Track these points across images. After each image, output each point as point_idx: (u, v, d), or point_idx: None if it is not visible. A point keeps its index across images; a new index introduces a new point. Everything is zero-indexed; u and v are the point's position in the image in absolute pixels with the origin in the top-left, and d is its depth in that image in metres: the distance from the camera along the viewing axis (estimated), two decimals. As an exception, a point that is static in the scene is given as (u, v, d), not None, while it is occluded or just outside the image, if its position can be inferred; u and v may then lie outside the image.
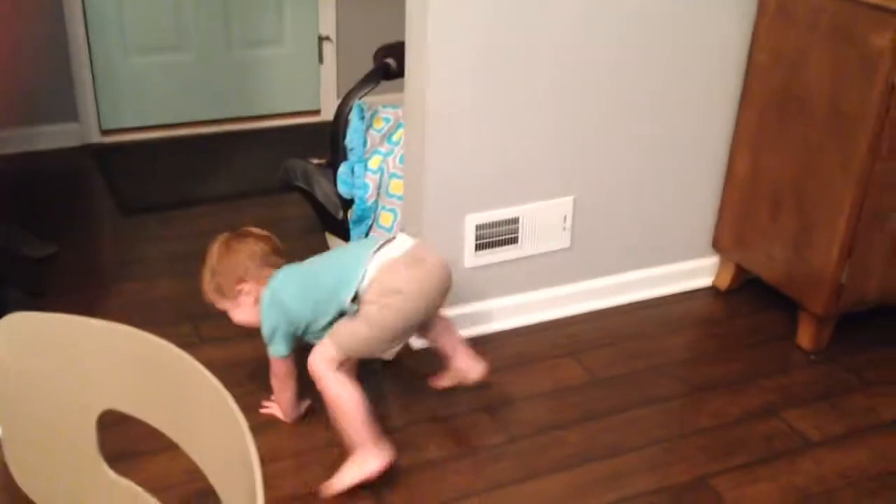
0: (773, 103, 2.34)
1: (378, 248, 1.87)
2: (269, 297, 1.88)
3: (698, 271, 2.64)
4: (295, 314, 1.87)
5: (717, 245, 2.61)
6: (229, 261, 1.94)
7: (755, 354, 2.35)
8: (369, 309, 1.80)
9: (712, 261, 2.64)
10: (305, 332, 1.90)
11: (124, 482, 0.95)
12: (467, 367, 2.03)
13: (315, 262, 1.98)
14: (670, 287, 2.60)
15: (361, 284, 1.82)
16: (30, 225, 2.80)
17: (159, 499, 0.93)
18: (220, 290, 1.96)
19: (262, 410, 2.03)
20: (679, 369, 2.29)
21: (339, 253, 2.09)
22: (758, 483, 1.90)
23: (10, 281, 2.42)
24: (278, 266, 1.95)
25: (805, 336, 2.37)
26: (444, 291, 1.89)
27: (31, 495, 0.99)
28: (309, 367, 1.82)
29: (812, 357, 2.34)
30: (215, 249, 1.96)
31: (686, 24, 2.30)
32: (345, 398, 1.79)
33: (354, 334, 1.82)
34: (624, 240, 2.50)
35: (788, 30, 2.25)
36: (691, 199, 2.54)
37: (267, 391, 2.07)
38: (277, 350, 1.90)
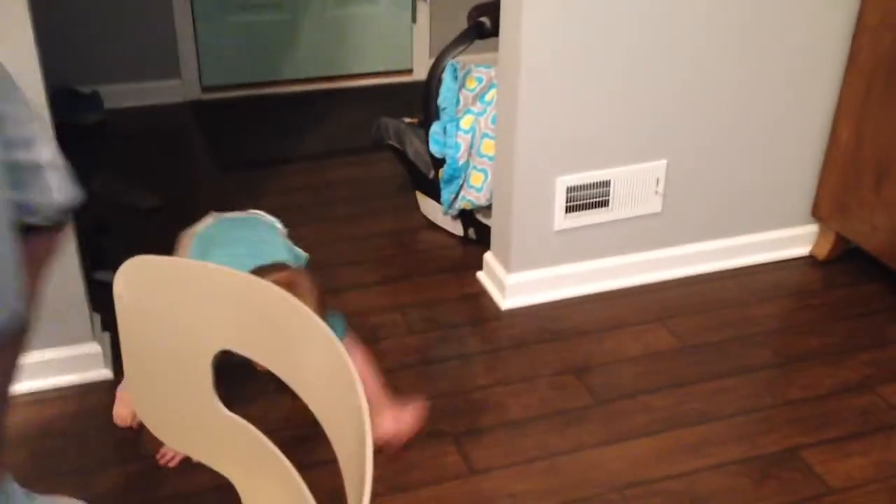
0: (882, 68, 2.24)
1: None
2: None
3: (796, 240, 2.57)
4: None
5: (816, 213, 2.53)
6: None
7: (852, 327, 2.29)
8: None
9: (811, 229, 2.57)
10: None
11: (239, 420, 1.00)
12: None
13: None
14: (766, 255, 2.54)
15: None
16: (135, 178, 2.91)
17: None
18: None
19: None
20: (772, 339, 2.24)
21: None
22: (850, 458, 1.86)
23: (114, 230, 2.53)
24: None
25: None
26: None
27: (151, 428, 1.05)
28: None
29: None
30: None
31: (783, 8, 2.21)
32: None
33: None
34: (718, 205, 2.44)
35: (903, -11, 2.15)
36: (790, 165, 2.46)
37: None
38: None
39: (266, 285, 0.89)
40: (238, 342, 0.94)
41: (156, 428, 1.04)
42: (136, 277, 0.96)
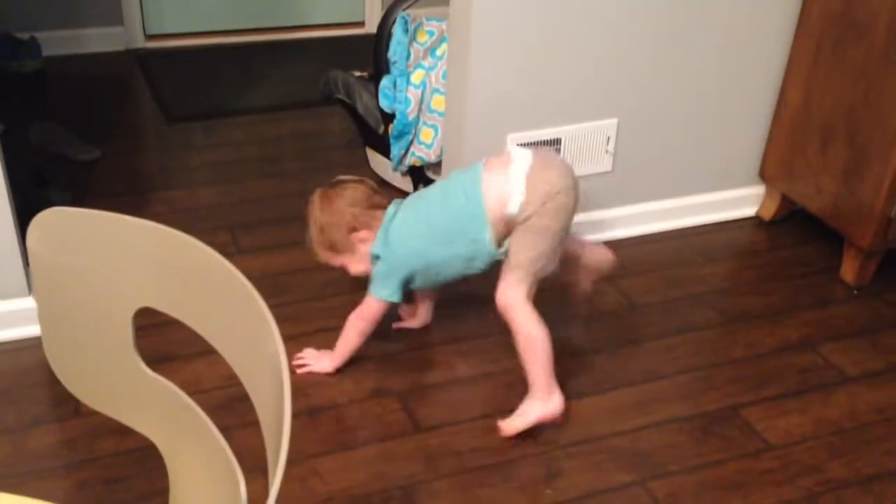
0: (831, 30, 2.25)
1: (488, 173, 1.77)
2: (382, 238, 1.83)
3: (743, 200, 2.59)
4: (409, 259, 1.82)
5: (763, 174, 2.55)
6: (334, 212, 1.85)
7: (796, 286, 2.32)
8: (537, 221, 1.72)
9: (758, 190, 2.59)
10: (413, 280, 1.86)
11: (161, 380, 0.97)
12: (600, 256, 2.01)
13: (424, 205, 1.85)
14: (714, 215, 2.56)
15: (511, 211, 1.73)
16: (75, 128, 2.82)
17: (195, 401, 0.95)
18: (333, 247, 1.87)
19: (296, 363, 1.93)
20: (717, 299, 2.27)
21: (448, 194, 1.83)
22: (789, 415, 1.89)
23: (53, 182, 2.46)
24: (383, 206, 1.87)
25: (849, 270, 2.32)
26: (577, 186, 1.80)
27: (71, 390, 1.02)
28: (501, 305, 1.75)
29: (854, 292, 2.30)
30: (316, 205, 1.87)
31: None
32: (538, 335, 1.73)
33: (535, 250, 1.73)
34: (667, 165, 2.45)
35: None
36: (739, 126, 2.47)
37: (301, 303, 2.10)
38: (383, 293, 1.83)
39: (186, 240, 0.86)
40: (160, 300, 0.91)
41: (75, 388, 1.01)
42: (51, 231, 0.92)
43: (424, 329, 2.08)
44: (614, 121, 2.31)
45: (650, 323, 2.15)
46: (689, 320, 2.17)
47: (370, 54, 2.53)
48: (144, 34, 3.51)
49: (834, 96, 2.27)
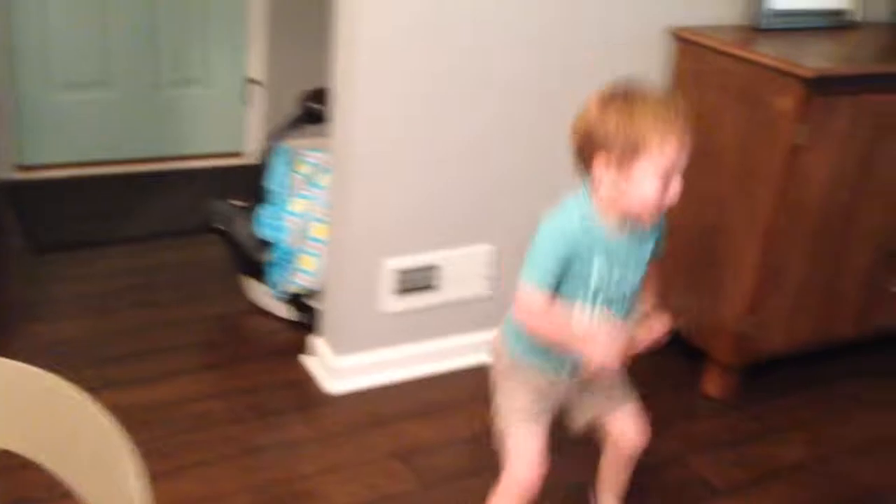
0: (690, 161, 2.42)
1: None
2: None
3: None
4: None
5: (631, 294, 2.67)
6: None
7: (661, 403, 2.38)
8: None
9: (627, 310, 2.70)
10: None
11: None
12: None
13: None
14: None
15: None
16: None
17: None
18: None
19: None
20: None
21: None
22: None
23: None
24: None
25: (711, 384, 2.43)
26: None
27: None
28: None
29: (717, 404, 2.40)
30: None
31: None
32: None
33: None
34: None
35: (702, 90, 2.34)
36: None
37: (173, 437, 2.03)
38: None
39: (46, 378, 0.84)
40: (16, 441, 0.88)
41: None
42: None
43: (310, 458, 2.05)
44: (490, 246, 2.39)
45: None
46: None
47: (250, 184, 2.56)
48: (18, 165, 3.44)
49: (693, 217, 2.42)
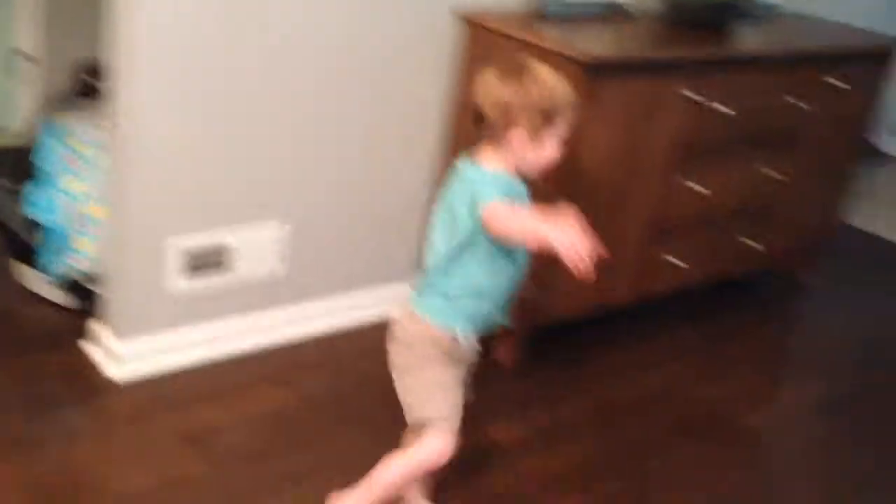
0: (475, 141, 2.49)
1: None
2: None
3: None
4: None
5: (424, 270, 2.72)
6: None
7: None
8: None
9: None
10: None
11: None
12: None
13: None
14: (393, 307, 2.66)
15: None
16: None
17: None
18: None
19: None
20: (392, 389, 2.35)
21: None
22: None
23: None
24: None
25: (501, 351, 2.52)
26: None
27: None
28: None
29: (507, 371, 2.50)
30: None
31: (389, 73, 2.39)
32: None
33: None
34: (340, 261, 2.53)
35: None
36: (407, 218, 2.63)
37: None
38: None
39: None
40: None
41: None
42: None
43: (96, 446, 1.93)
44: (282, 223, 2.35)
45: (325, 419, 2.17)
46: (363, 413, 2.22)
47: (18, 162, 2.38)
48: None
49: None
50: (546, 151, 1.62)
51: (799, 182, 2.96)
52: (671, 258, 2.69)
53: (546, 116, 1.57)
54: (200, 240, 2.22)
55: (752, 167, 2.79)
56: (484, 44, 2.41)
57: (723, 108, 2.51)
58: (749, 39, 2.82)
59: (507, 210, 1.54)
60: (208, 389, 2.20)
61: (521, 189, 1.65)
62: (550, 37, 2.30)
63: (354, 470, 1.79)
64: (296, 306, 2.48)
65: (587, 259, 1.50)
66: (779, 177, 2.85)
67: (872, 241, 3.85)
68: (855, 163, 3.25)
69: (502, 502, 2.01)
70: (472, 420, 2.22)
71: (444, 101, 2.54)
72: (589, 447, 2.25)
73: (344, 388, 2.31)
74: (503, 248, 1.62)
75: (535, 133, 1.58)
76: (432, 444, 1.65)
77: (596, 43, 2.45)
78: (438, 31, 2.43)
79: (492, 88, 1.59)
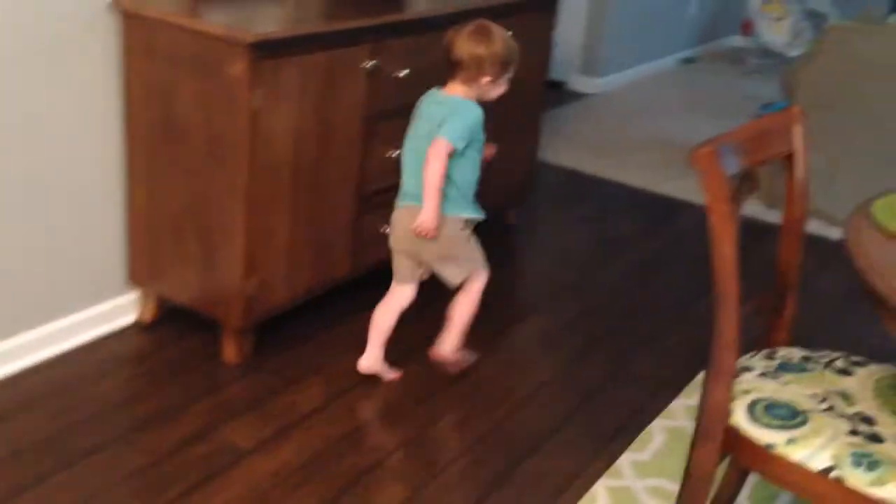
0: (156, 135, 2.38)
1: None
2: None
3: (119, 310, 2.58)
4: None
5: (134, 279, 2.58)
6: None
7: (185, 380, 2.38)
8: None
9: (133, 296, 2.61)
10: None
11: None
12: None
13: None
14: (92, 332, 2.51)
15: None
16: None
17: None
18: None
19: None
20: (111, 416, 2.22)
21: None
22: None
23: None
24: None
25: (229, 351, 2.47)
26: None
27: None
28: None
29: (237, 369, 2.44)
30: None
31: (44, 66, 2.21)
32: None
33: None
34: (23, 295, 2.33)
35: (156, 64, 2.30)
36: (94, 237, 2.47)
37: None
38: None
39: None
40: None
41: None
42: None
43: None
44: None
45: (40, 462, 2.02)
46: (82, 446, 2.08)
47: None
48: None
49: (175, 194, 2.40)
50: (501, 88, 2.29)
51: (493, 132, 3.10)
52: (384, 228, 2.73)
53: (504, 65, 2.23)
54: None
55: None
56: (145, 33, 2.29)
57: (400, 73, 2.57)
58: (421, 1, 2.90)
59: (441, 160, 2.18)
60: None
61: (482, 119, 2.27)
62: (215, 20, 2.23)
63: None
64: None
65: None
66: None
67: (569, 175, 4.15)
68: (542, 105, 3.46)
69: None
70: (207, 427, 2.18)
71: (115, 104, 2.39)
72: (323, 430, 2.24)
73: (52, 426, 2.15)
74: (479, 150, 2.29)
75: (497, 77, 2.24)
76: (482, 279, 2.41)
77: (265, 22, 2.40)
78: (100, 24, 2.29)
79: (467, 45, 2.20)
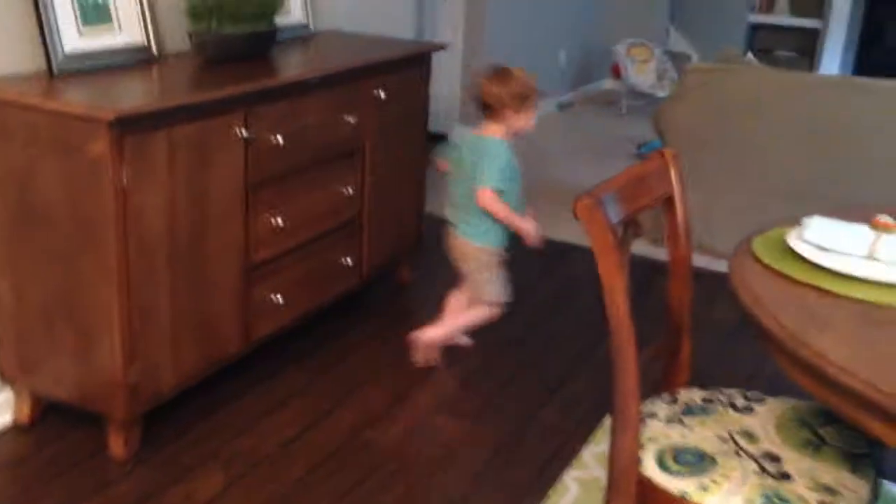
0: (15, 220, 2.23)
1: None
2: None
3: (-6, 411, 2.39)
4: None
5: (5, 377, 2.40)
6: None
7: (70, 481, 2.22)
8: None
9: (7, 396, 2.42)
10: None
11: None
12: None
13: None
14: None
15: None
16: None
17: None
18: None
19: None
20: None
21: None
22: None
23: None
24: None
25: (116, 445, 2.30)
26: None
27: None
28: None
29: (126, 464, 2.29)
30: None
31: None
32: None
33: None
34: None
35: (10, 146, 2.16)
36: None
37: None
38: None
39: None
40: None
41: None
42: None
43: None
44: None
45: None
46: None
47: None
48: None
49: (41, 282, 2.25)
50: (528, 119, 2.65)
51: (376, 190, 3.07)
52: (275, 296, 2.64)
53: (522, 98, 2.61)
54: None
55: (326, 188, 2.82)
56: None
57: (277, 138, 2.50)
58: (291, 64, 2.85)
59: (495, 199, 2.57)
60: None
61: (511, 154, 2.66)
62: (70, 98, 2.12)
63: None
64: None
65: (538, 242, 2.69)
66: (351, 191, 2.92)
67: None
68: (425, 158, 3.44)
69: None
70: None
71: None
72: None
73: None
74: (517, 181, 2.64)
75: (518, 109, 2.60)
76: (491, 312, 2.78)
77: (128, 96, 2.30)
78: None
79: (488, 87, 2.61)
